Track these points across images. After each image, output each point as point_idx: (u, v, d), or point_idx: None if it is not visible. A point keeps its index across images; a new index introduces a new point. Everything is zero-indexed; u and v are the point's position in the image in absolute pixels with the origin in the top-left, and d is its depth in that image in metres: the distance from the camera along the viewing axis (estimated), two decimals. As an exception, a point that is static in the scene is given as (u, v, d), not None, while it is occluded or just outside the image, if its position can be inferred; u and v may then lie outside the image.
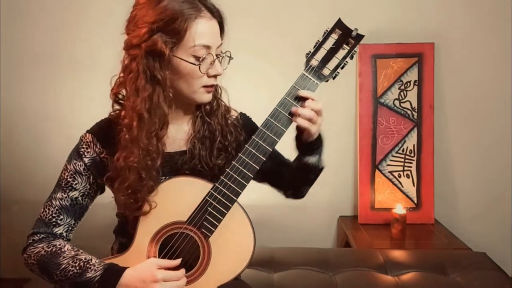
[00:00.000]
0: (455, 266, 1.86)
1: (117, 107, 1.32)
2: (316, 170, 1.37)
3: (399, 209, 2.37)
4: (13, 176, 2.64)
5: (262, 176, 1.44)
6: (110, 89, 1.30)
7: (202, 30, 1.22)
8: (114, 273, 1.21)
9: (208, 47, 1.24)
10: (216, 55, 1.27)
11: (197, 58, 1.23)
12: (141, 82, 1.21)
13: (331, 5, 2.45)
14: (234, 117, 1.42)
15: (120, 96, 1.31)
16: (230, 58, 1.31)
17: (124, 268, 1.22)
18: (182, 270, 1.24)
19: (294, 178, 1.41)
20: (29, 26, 2.53)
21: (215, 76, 1.28)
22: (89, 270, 1.22)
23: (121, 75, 1.28)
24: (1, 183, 2.64)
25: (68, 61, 2.54)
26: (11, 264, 2.64)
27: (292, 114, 1.25)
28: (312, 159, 1.33)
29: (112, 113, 1.34)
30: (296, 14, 2.50)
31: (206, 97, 1.30)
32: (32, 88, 2.58)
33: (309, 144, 1.30)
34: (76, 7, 2.51)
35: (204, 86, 1.27)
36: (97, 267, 1.22)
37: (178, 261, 1.24)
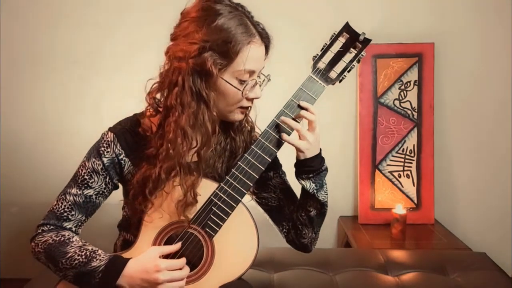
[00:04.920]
0: (455, 266, 1.86)
1: (151, 110, 1.31)
2: (315, 203, 1.35)
3: (399, 209, 2.37)
4: (13, 177, 2.63)
5: (269, 208, 1.45)
6: (147, 93, 1.29)
7: (252, 55, 1.22)
8: (118, 263, 1.22)
9: (253, 72, 1.24)
10: (257, 81, 1.27)
11: (241, 81, 1.23)
12: (186, 98, 1.20)
13: (332, 6, 2.45)
14: (257, 135, 1.40)
15: (156, 100, 1.29)
16: (269, 80, 1.31)
17: (127, 259, 1.23)
18: (183, 259, 1.24)
19: (296, 211, 1.40)
20: (30, 26, 2.52)
21: (252, 99, 1.29)
22: (94, 260, 1.22)
23: (159, 80, 1.27)
24: (1, 184, 2.63)
25: (70, 62, 2.54)
26: (11, 264, 2.64)
27: (295, 120, 1.26)
28: (306, 184, 1.32)
29: (136, 114, 1.35)
30: (299, 15, 2.50)
31: (240, 117, 1.31)
32: (33, 90, 2.57)
33: (303, 164, 1.30)
34: (77, 7, 2.50)
35: (241, 107, 1.28)
36: (102, 257, 1.23)
37: (178, 245, 1.25)
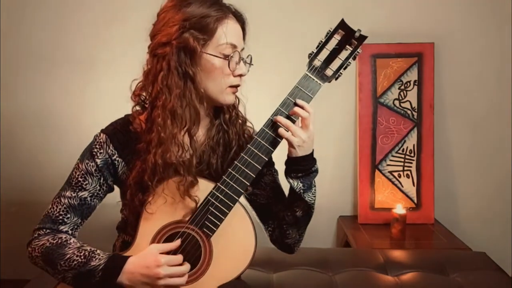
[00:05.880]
0: (455, 266, 1.86)
1: (138, 108, 1.33)
2: (303, 204, 1.34)
3: (399, 209, 2.37)
4: (13, 177, 2.64)
5: (257, 204, 1.45)
6: (132, 93, 1.31)
7: (230, 30, 1.26)
8: (118, 261, 1.22)
9: (235, 46, 1.27)
10: (240, 57, 1.29)
11: (225, 56, 1.26)
12: (173, 78, 1.23)
13: (331, 5, 2.45)
14: (249, 129, 1.42)
15: (142, 98, 1.32)
16: (250, 64, 1.33)
17: (127, 256, 1.23)
18: (181, 255, 1.24)
19: (281, 211, 1.40)
20: (30, 26, 2.53)
21: (240, 76, 1.30)
22: (94, 259, 1.22)
23: (143, 79, 1.29)
24: (1, 184, 2.64)
25: (69, 62, 2.54)
26: (11, 264, 2.64)
27: (290, 117, 1.26)
28: (294, 182, 1.31)
29: (128, 114, 1.35)
30: (297, 14, 2.50)
31: (231, 98, 1.32)
32: (33, 90, 2.57)
33: (294, 162, 1.29)
34: (77, 6, 2.51)
35: (230, 87, 1.29)
36: (102, 256, 1.23)
37: (178, 242, 1.24)
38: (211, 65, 1.25)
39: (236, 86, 1.31)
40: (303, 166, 1.29)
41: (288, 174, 1.32)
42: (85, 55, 2.53)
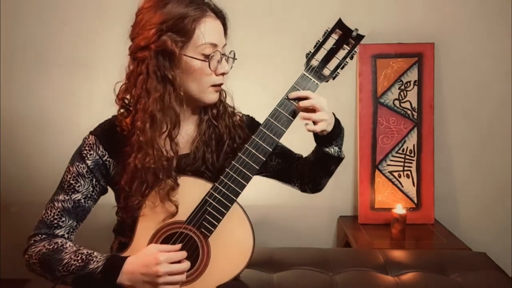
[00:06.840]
0: (455, 266, 1.86)
1: (122, 111, 1.33)
2: (336, 160, 1.39)
3: (399, 209, 2.36)
4: (13, 177, 2.64)
5: (274, 174, 1.47)
6: (116, 96, 1.31)
7: (209, 29, 1.24)
8: (117, 261, 1.22)
9: (215, 45, 1.26)
10: (222, 55, 1.28)
11: (206, 56, 1.25)
12: (152, 83, 1.23)
13: (331, 5, 2.45)
14: (238, 118, 1.42)
15: (126, 101, 1.32)
16: (234, 59, 1.32)
17: (125, 257, 1.23)
18: (183, 252, 1.24)
19: (313, 170, 1.42)
20: (28, 26, 2.53)
21: (222, 75, 1.30)
22: (92, 262, 1.22)
23: (126, 81, 1.29)
24: (1, 184, 2.64)
25: (69, 62, 2.54)
26: (11, 264, 2.64)
27: (293, 115, 1.26)
28: (331, 150, 1.35)
29: (115, 115, 1.35)
30: (296, 14, 2.50)
31: (214, 97, 1.31)
32: (32, 90, 2.57)
33: (326, 136, 1.32)
34: (76, 6, 2.51)
35: (213, 86, 1.29)
36: (99, 258, 1.23)
37: (178, 246, 1.24)
38: (191, 66, 1.25)
39: (219, 85, 1.31)
40: (336, 134, 1.33)
41: (323, 145, 1.35)
42: (82, 56, 2.53)
